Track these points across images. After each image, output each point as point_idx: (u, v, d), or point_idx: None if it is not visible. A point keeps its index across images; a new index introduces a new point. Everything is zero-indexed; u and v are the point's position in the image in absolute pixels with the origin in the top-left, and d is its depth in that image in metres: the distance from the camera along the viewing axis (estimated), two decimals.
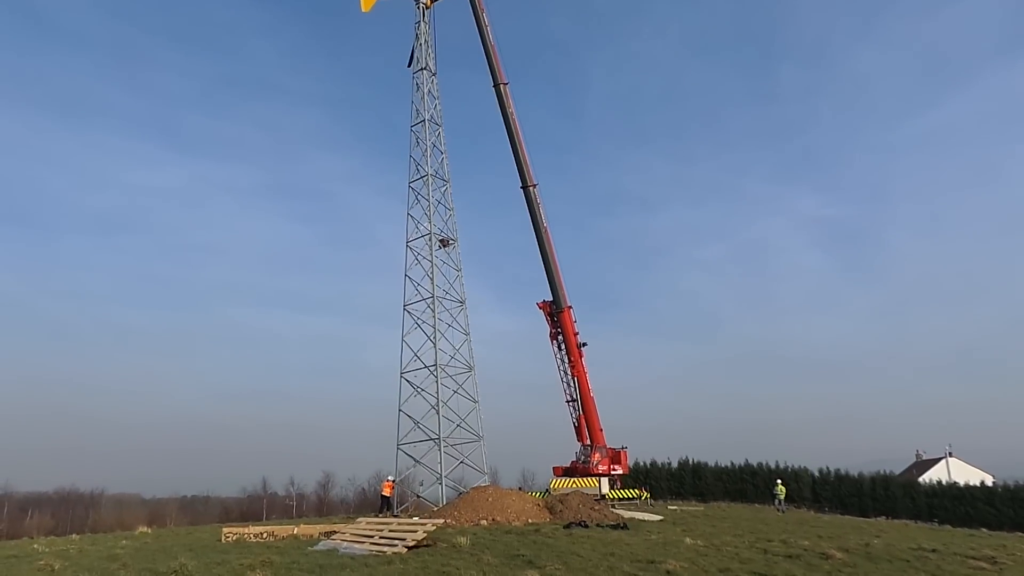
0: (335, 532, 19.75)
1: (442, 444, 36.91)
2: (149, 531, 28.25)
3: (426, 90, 43.76)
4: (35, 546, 20.03)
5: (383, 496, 34.89)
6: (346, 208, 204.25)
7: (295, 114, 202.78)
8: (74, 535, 29.09)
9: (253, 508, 76.36)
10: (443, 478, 36.25)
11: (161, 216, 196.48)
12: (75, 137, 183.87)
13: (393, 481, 36.11)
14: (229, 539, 19.78)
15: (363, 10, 44.37)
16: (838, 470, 52.67)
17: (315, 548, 16.77)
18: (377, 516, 29.77)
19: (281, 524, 27.70)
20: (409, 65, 45.74)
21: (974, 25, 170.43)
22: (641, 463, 53.31)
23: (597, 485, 37.83)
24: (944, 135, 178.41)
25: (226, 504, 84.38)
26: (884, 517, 44.57)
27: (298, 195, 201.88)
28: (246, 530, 20.84)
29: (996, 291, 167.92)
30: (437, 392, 38.06)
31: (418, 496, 37.83)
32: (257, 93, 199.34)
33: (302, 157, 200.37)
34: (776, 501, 39.22)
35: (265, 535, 20.35)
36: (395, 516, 30.44)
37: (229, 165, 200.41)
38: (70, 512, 74.30)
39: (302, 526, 22.45)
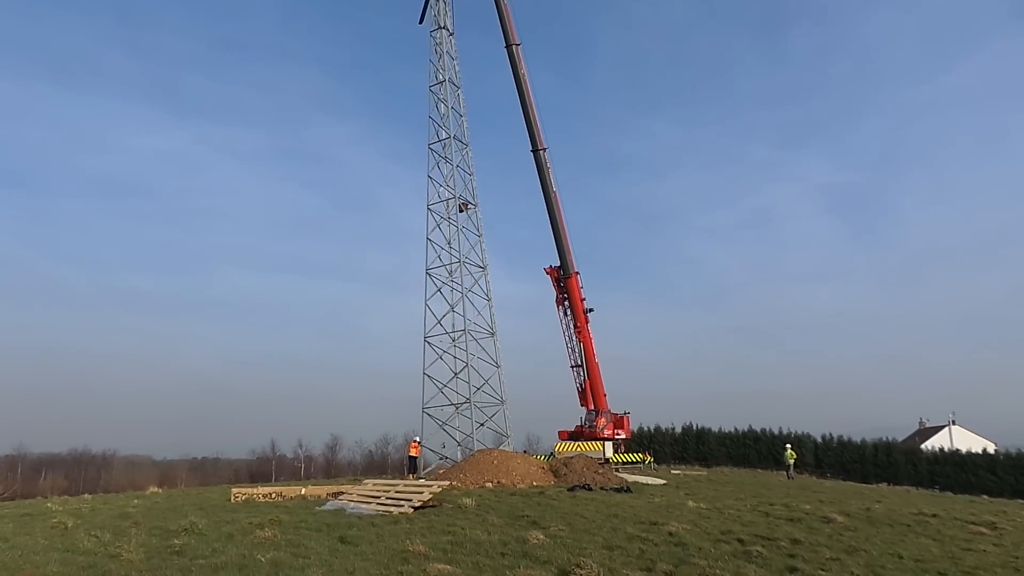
0: (342, 493, 20.04)
1: (472, 405, 37.37)
2: (160, 491, 28.73)
3: (444, 50, 43.20)
4: (48, 505, 20.40)
5: (410, 456, 35.25)
6: (351, 172, 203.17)
7: (298, 76, 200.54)
8: (87, 495, 29.62)
9: (262, 470, 77.59)
10: (474, 439, 36.74)
11: (164, 180, 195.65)
12: (76, 100, 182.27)
13: (419, 442, 36.52)
14: (238, 499, 20.11)
15: None
16: (840, 436, 53.10)
17: (323, 508, 17.04)
18: (407, 477, 30.36)
19: (289, 485, 28.15)
20: (421, 21, 45.02)
21: None
22: (645, 428, 53.79)
23: (601, 449, 38.15)
24: (954, 100, 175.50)
25: (236, 466, 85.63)
26: (886, 483, 44.96)
27: (302, 159, 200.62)
28: (255, 490, 21.19)
29: (1002, 259, 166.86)
30: (467, 354, 38.41)
31: (445, 458, 38.29)
32: (259, 55, 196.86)
33: (305, 120, 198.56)
34: (786, 467, 39.36)
35: (274, 495, 20.67)
36: (420, 478, 30.92)
37: (231, 128, 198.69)
38: (83, 473, 75.60)
39: (310, 487, 22.80)
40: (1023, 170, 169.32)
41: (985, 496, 38.14)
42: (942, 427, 62.86)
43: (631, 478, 28.32)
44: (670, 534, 12.74)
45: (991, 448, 52.55)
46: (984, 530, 15.36)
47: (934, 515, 17.75)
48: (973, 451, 50.72)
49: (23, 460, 77.08)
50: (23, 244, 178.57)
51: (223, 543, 11.16)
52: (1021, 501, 35.20)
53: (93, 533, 12.30)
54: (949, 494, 38.50)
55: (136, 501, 20.95)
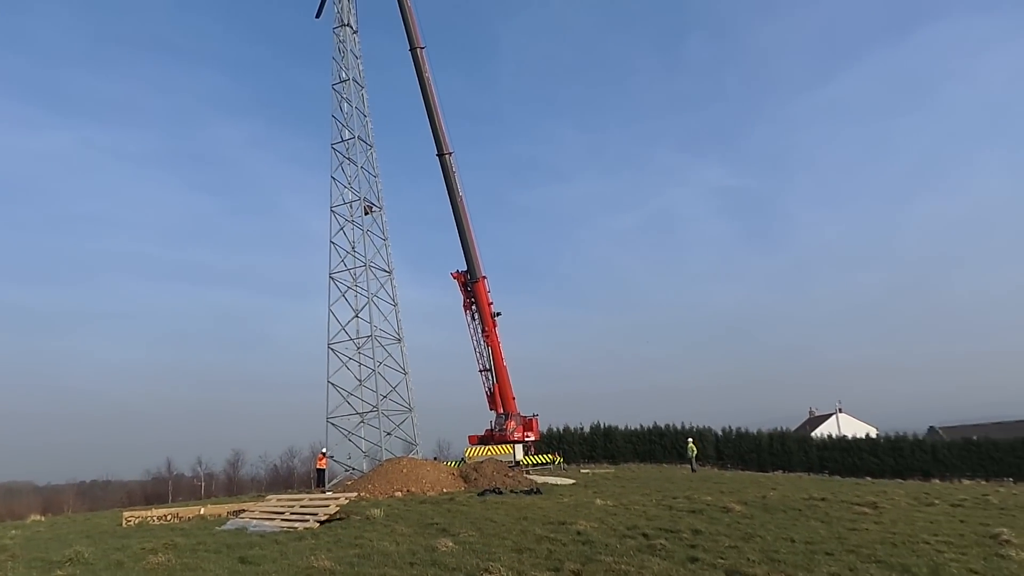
0: (244, 511, 19.27)
1: (380, 413, 36.67)
2: (43, 519, 26.72)
3: (348, 48, 42.38)
4: None
5: (318, 470, 34.36)
6: (249, 175, 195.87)
7: (192, 75, 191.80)
8: None
9: (158, 491, 73.61)
10: (382, 448, 36.06)
11: (44, 183, 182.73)
12: None
13: (325, 454, 35.63)
14: (130, 523, 18.97)
15: None
16: (739, 428, 55.56)
17: (223, 528, 16.32)
18: (314, 490, 29.47)
19: (187, 505, 26.83)
20: (318, 16, 44.17)
21: (863, 3, 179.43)
22: (554, 429, 54.52)
23: (512, 452, 38.42)
24: (836, 109, 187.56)
25: (129, 488, 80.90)
26: (781, 471, 47.44)
27: (197, 162, 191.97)
28: (149, 513, 20.06)
29: (881, 257, 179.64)
30: (373, 361, 37.70)
31: (351, 469, 37.42)
32: (149, 52, 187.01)
33: (199, 121, 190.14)
34: (690, 460, 40.76)
35: (169, 517, 19.64)
36: (326, 491, 30.10)
37: (119, 129, 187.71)
38: None
39: (209, 506, 21.78)
40: (901, 173, 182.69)
41: (868, 478, 40.87)
42: (830, 415, 66.96)
43: (541, 479, 28.63)
44: (578, 533, 12.95)
45: (873, 433, 56.38)
46: (867, 510, 16.46)
47: (823, 499, 18.86)
48: (858, 436, 54.22)
49: None
50: None
51: (111, 572, 10.49)
52: (900, 481, 37.94)
53: None
54: (837, 478, 40.99)
55: (14, 532, 19.38)
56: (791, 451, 52.74)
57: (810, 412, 72.47)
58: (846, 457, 50.76)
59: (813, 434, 58.51)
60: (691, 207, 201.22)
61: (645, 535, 12.66)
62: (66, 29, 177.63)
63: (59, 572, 10.49)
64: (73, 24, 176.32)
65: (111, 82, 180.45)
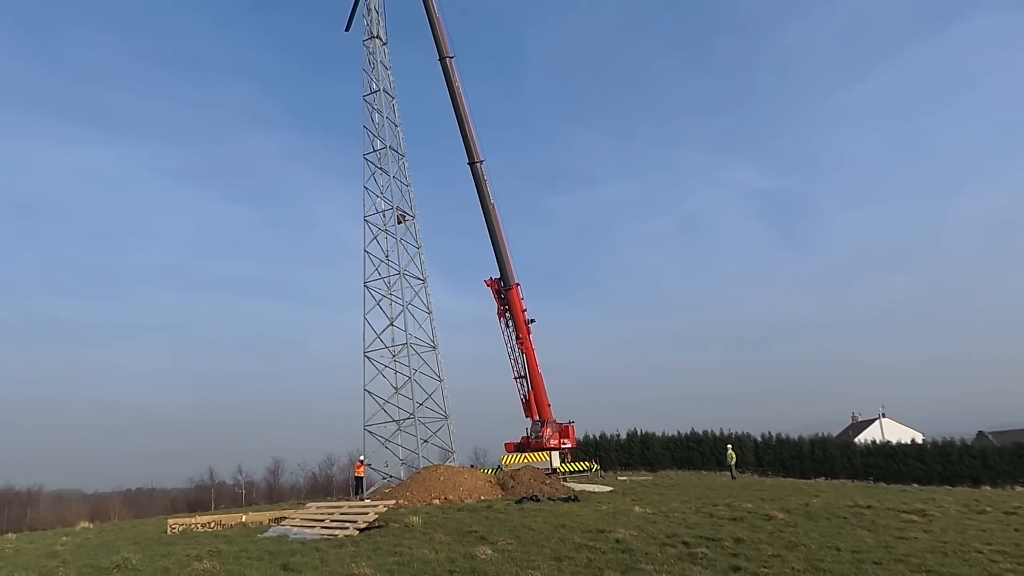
0: (285, 518, 19.51)
1: (416, 421, 36.89)
2: (91, 526, 27.40)
3: (378, 60, 42.92)
4: None
5: (356, 477, 34.71)
6: (283, 187, 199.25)
7: (224, 90, 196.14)
8: (10, 534, 28.02)
9: (201, 498, 74.94)
10: (419, 456, 36.25)
11: (85, 199, 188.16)
12: None
13: (363, 461, 35.97)
14: (175, 530, 19.35)
15: None
16: (779, 434, 54.52)
17: (264, 535, 16.54)
18: (354, 498, 29.80)
19: (229, 513, 27.24)
20: (347, 29, 44.81)
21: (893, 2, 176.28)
22: (591, 436, 54.20)
23: (548, 459, 38.30)
24: (870, 106, 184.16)
25: (172, 496, 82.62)
26: (823, 478, 46.43)
27: (232, 175, 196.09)
28: (193, 520, 20.43)
29: (920, 257, 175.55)
30: (409, 368, 37.94)
31: (389, 476, 37.64)
32: (183, 68, 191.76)
33: (233, 135, 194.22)
34: (729, 467, 40.13)
35: (213, 524, 19.97)
36: (364, 498, 30.49)
37: (155, 144, 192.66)
38: (6, 511, 71.57)
39: (251, 514, 22.11)
40: (938, 170, 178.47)
41: (915, 484, 39.84)
42: (873, 420, 65.37)
43: (578, 487, 28.48)
44: (617, 541, 12.84)
45: (919, 438, 54.84)
46: (915, 518, 16.01)
47: (868, 506, 18.41)
48: (902, 442, 52.86)
49: None
50: None
51: None
52: (948, 488, 36.86)
53: None
54: (882, 484, 40.02)
55: (65, 538, 19.91)
56: (833, 457, 51.60)
57: (852, 417, 70.89)
58: (891, 463, 49.45)
59: (856, 440, 57.20)
60: (722, 209, 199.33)
61: (686, 543, 12.49)
62: (104, 49, 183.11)
63: None
64: (111, 44, 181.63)
65: (147, 99, 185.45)
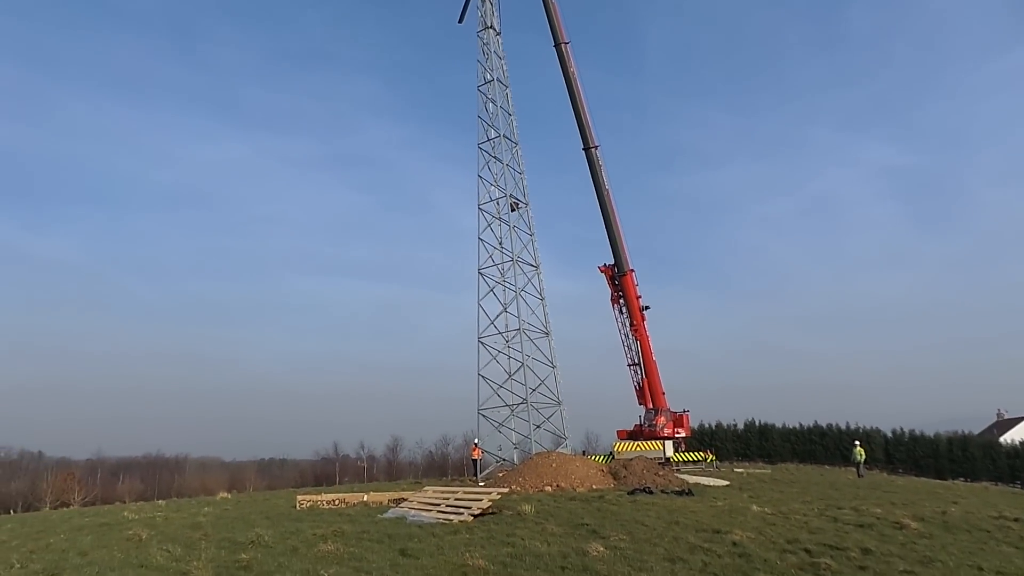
0: (403, 500, 20.29)
1: (529, 406, 37.46)
2: (229, 497, 29.63)
3: (492, 50, 43.43)
4: (125, 514, 21.19)
5: (472, 459, 35.95)
6: (404, 175, 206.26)
7: (349, 82, 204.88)
8: (160, 501, 30.82)
9: (326, 471, 79.38)
10: (532, 441, 36.87)
11: (226, 189, 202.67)
12: (141, 116, 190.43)
13: (478, 445, 37.14)
14: (303, 506, 20.60)
15: None
16: (912, 431, 51.28)
17: (384, 516, 17.27)
18: (469, 479, 30.80)
19: (352, 490, 28.68)
20: (461, 21, 45.49)
21: None
22: (706, 425, 53.02)
23: (662, 448, 37.72)
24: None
25: (301, 467, 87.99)
26: (962, 479, 43.27)
27: (355, 163, 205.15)
28: (319, 498, 21.66)
29: None
30: (522, 354, 38.51)
31: (502, 460, 38.49)
32: (310, 64, 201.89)
33: (357, 126, 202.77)
34: (855, 464, 38.07)
35: (336, 502, 21.10)
36: (479, 480, 31.62)
37: (287, 137, 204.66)
38: (157, 476, 78.70)
39: (372, 494, 23.15)
40: None
41: None
42: (1022, 418, 60.00)
43: (692, 479, 27.90)
44: (734, 544, 12.45)
45: None
46: None
47: (1016, 519, 16.91)
48: None
49: (102, 465, 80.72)
50: (97, 258, 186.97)
51: (288, 557, 11.40)
52: None
53: (165, 547, 12.71)
54: None
55: (207, 509, 21.63)
56: (974, 458, 47.92)
57: (998, 414, 65.33)
58: None
59: (1001, 439, 52.75)
60: (854, 189, 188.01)
61: (807, 551, 11.94)
62: (238, 47, 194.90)
63: (244, 555, 11.52)
64: (246, 44, 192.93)
65: (279, 93, 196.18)
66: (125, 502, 40.46)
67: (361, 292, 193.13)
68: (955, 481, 41.33)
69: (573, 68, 42.16)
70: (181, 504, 27.09)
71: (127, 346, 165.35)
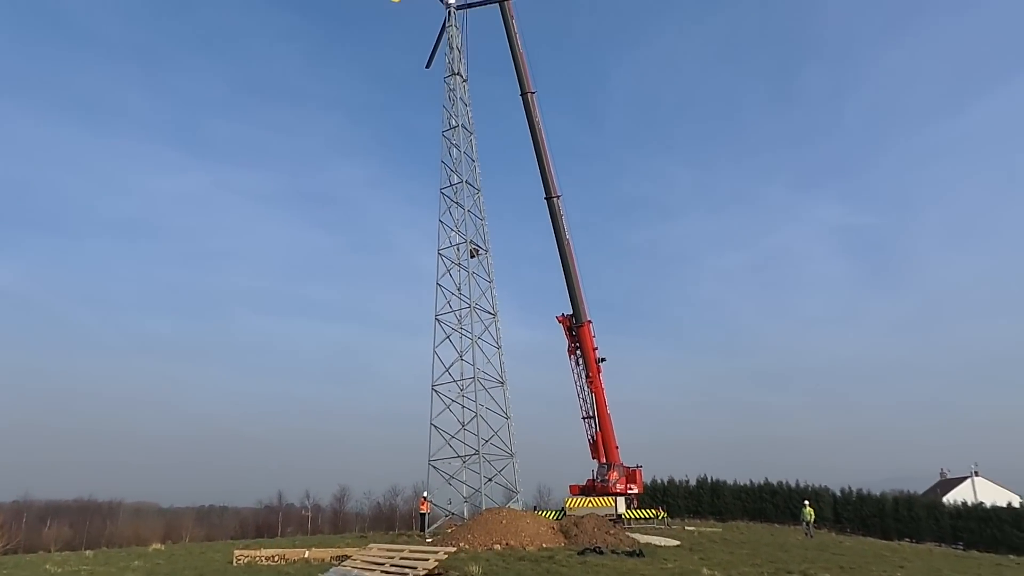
0: (346, 557, 19.56)
1: (481, 458, 36.76)
2: (163, 548, 28.23)
3: (458, 96, 43.90)
4: (47, 566, 19.94)
5: (420, 513, 35.07)
6: (366, 215, 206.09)
7: (316, 119, 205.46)
8: (88, 552, 29.17)
9: (269, 521, 76.36)
10: (483, 494, 36.06)
11: (183, 221, 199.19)
12: (97, 142, 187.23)
13: (427, 498, 36.25)
14: (240, 562, 19.68)
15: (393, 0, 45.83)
16: (860, 490, 51.61)
17: (326, 575, 16.57)
18: (416, 534, 29.95)
19: (294, 544, 27.58)
20: (428, 66, 46.12)
21: (1003, 28, 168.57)
22: (658, 480, 52.64)
23: (614, 505, 37.31)
24: (972, 141, 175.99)
25: (242, 516, 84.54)
26: (908, 540, 43.64)
27: (319, 201, 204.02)
28: (258, 553, 20.72)
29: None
30: (476, 404, 37.90)
31: (451, 514, 37.53)
32: (279, 98, 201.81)
33: (323, 163, 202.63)
34: (804, 524, 38.18)
35: (276, 558, 20.21)
36: (427, 535, 30.81)
37: (249, 170, 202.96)
38: (88, 522, 74.70)
39: (314, 549, 22.23)
40: None
41: (1012, 556, 36.85)
42: (964, 478, 61.11)
43: (644, 538, 27.56)
44: None
45: (1016, 501, 50.88)
46: None
47: None
48: (997, 504, 49.15)
49: (28, 508, 76.34)
50: (42, 287, 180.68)
51: None
52: None
53: None
54: (974, 552, 37.29)
55: (136, 563, 20.50)
56: (919, 518, 48.41)
57: (941, 473, 66.47)
58: (984, 528, 45.99)
59: (945, 499, 53.55)
60: (806, 246, 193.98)
61: None
62: (205, 78, 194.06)
63: None
64: (212, 77, 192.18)
65: (243, 125, 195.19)
66: (50, 551, 38.23)
67: (315, 332, 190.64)
68: (901, 542, 41.70)
69: (538, 118, 42.82)
70: (110, 556, 25.62)
71: (65, 381, 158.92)
